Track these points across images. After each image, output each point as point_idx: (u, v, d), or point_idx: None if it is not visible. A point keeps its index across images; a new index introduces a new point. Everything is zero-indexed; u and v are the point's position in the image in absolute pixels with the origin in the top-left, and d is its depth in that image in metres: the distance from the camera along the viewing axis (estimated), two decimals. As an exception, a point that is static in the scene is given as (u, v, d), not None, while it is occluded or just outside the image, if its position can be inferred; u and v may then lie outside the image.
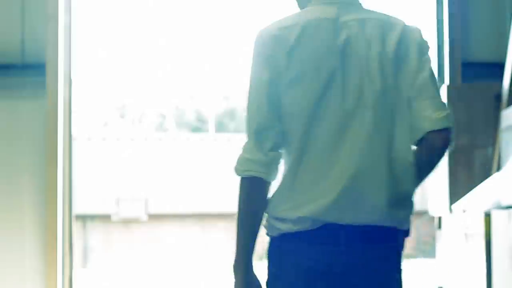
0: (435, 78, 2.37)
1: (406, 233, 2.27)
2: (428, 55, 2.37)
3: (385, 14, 2.35)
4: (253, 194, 2.20)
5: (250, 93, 2.24)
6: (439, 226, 7.32)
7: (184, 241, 22.01)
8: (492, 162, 6.52)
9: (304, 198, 2.16)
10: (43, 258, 6.82)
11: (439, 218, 7.32)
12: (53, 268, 6.80)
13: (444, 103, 2.38)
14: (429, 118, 2.27)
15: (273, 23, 2.25)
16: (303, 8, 2.32)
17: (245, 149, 2.23)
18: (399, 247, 2.25)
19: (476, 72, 7.09)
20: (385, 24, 2.30)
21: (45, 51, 6.85)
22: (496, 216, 5.14)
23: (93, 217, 21.66)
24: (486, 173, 6.51)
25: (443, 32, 7.26)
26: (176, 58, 38.24)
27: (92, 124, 33.48)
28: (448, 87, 6.75)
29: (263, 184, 2.21)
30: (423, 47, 2.37)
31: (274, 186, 2.28)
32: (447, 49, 7.14)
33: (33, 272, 6.83)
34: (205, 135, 23.68)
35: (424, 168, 2.30)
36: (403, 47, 2.29)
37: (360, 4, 2.36)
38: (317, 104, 2.17)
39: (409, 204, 2.24)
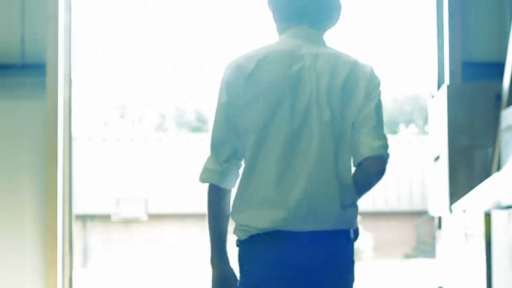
0: (380, 110, 2.66)
1: (355, 230, 2.63)
2: (378, 89, 2.65)
3: (339, 51, 2.67)
4: (212, 198, 2.62)
5: (214, 113, 2.64)
6: (439, 226, 7.32)
7: (184, 241, 22.01)
8: (492, 162, 6.52)
9: (262, 207, 2.50)
10: (43, 258, 6.83)
11: (439, 218, 7.33)
12: (53, 268, 6.80)
13: (383, 134, 2.63)
14: (368, 146, 2.57)
15: (241, 55, 2.65)
16: (280, 36, 2.72)
17: (206, 160, 2.65)
18: (350, 242, 2.58)
19: (476, 72, 7.10)
20: (336, 59, 2.62)
21: (45, 51, 6.85)
22: (496, 216, 5.14)
23: (93, 217, 21.67)
24: (486, 173, 6.51)
25: (443, 32, 7.26)
26: (176, 58, 38.23)
27: (92, 124, 33.48)
28: (448, 87, 6.75)
29: (219, 190, 2.60)
30: (372, 81, 2.63)
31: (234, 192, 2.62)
32: (447, 49, 7.15)
33: (33, 272, 6.83)
34: (205, 135, 23.67)
35: (361, 187, 2.61)
36: (352, 81, 2.60)
37: (323, 40, 2.72)
38: (268, 123, 2.53)
39: (354, 209, 2.59)
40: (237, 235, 2.58)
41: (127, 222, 21.76)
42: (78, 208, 21.15)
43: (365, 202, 23.00)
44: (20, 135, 6.91)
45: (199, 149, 22.65)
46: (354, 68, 2.61)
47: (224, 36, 39.88)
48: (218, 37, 40.47)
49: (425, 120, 33.65)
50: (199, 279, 16.46)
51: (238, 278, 2.58)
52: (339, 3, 2.73)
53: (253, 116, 2.54)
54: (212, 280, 2.64)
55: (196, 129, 34.60)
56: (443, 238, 7.06)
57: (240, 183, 2.59)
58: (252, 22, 42.48)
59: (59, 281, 6.85)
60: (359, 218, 21.51)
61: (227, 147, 2.60)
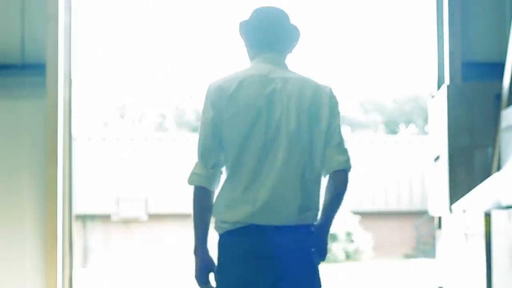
0: (340, 127, 3.21)
1: (318, 224, 3.11)
2: (338, 109, 3.20)
3: (302, 75, 3.18)
4: (198, 198, 3.11)
5: (200, 126, 3.13)
6: (439, 226, 7.32)
7: (184, 241, 22.01)
8: (492, 162, 6.52)
9: (237, 206, 3.02)
10: (43, 257, 6.82)
11: (439, 218, 7.33)
12: (53, 267, 6.80)
13: (346, 149, 3.22)
14: (335, 161, 3.16)
15: (221, 78, 3.13)
16: (252, 61, 3.23)
17: (194, 166, 3.14)
18: (310, 235, 3.07)
19: (476, 72, 7.09)
20: (302, 82, 3.14)
21: (45, 51, 6.85)
22: (496, 216, 5.14)
23: (93, 217, 21.66)
24: (486, 173, 6.51)
25: (443, 32, 7.26)
26: (176, 58, 38.23)
27: (92, 124, 33.49)
28: (448, 87, 6.75)
29: (206, 191, 3.11)
30: (333, 100, 3.20)
31: (216, 193, 3.15)
32: (447, 49, 7.15)
33: (33, 271, 6.83)
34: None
35: (333, 194, 3.14)
36: (317, 101, 3.13)
37: (287, 65, 3.23)
38: (246, 135, 3.03)
39: (315, 208, 3.09)
40: (216, 230, 3.12)
41: (127, 222, 21.76)
42: (78, 208, 21.14)
43: (365, 202, 23.00)
44: (20, 135, 6.90)
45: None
46: (317, 89, 3.16)
47: (224, 36, 39.90)
48: (218, 37, 40.51)
49: (425, 120, 33.64)
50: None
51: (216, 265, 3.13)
52: (298, 32, 3.30)
53: (235, 130, 3.04)
54: (195, 267, 3.17)
55: (196, 129, 34.57)
56: (443, 238, 7.05)
57: (222, 186, 3.10)
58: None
59: (59, 281, 6.85)
60: (359, 218, 21.55)
61: (213, 155, 3.09)
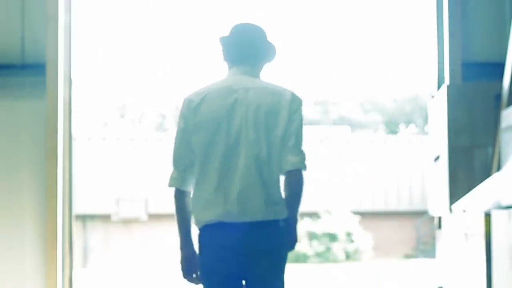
0: (301, 129, 3.50)
1: (284, 219, 3.44)
2: (300, 110, 3.52)
3: (268, 83, 3.53)
4: (176, 198, 3.52)
5: (175, 136, 3.53)
6: (439, 226, 7.32)
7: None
8: (492, 162, 6.52)
9: (209, 207, 3.40)
10: (43, 257, 6.83)
11: (439, 218, 7.33)
12: (53, 267, 6.80)
13: (301, 150, 3.46)
14: (289, 162, 3.43)
15: (193, 91, 3.53)
16: (228, 72, 3.59)
17: (171, 171, 3.54)
18: (279, 229, 3.41)
19: (476, 72, 7.09)
20: (263, 91, 3.47)
21: (45, 51, 6.85)
22: (496, 216, 5.14)
23: (93, 217, 21.66)
24: (486, 173, 6.51)
25: (443, 32, 7.26)
26: (176, 58, 38.24)
27: (92, 124, 33.49)
28: (448, 87, 6.75)
29: (181, 192, 3.51)
30: (293, 105, 3.50)
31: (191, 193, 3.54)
32: (447, 49, 7.15)
33: (33, 271, 6.83)
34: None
35: (289, 192, 3.45)
36: (275, 108, 3.45)
37: (257, 75, 3.57)
38: (210, 143, 3.41)
39: (280, 204, 3.43)
40: (195, 226, 3.49)
41: (127, 222, 21.76)
42: (78, 208, 21.14)
43: (365, 202, 23.01)
44: (20, 135, 6.91)
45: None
46: (277, 96, 3.48)
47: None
48: (218, 37, 40.44)
49: (425, 120, 33.63)
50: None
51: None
52: (273, 49, 3.60)
53: (200, 139, 3.43)
54: (181, 259, 3.50)
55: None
56: (443, 238, 7.05)
57: (194, 188, 3.49)
58: (252, 21, 42.48)
59: (59, 281, 6.85)
60: (359, 218, 21.55)
61: (183, 161, 3.50)
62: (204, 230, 3.44)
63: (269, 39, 3.64)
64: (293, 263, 20.50)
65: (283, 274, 3.45)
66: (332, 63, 41.08)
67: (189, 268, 3.49)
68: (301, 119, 3.52)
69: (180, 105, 3.54)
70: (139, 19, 41.28)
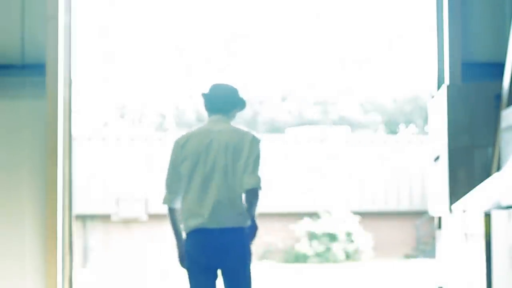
0: (258, 160, 4.78)
1: (250, 227, 4.75)
2: (257, 147, 4.79)
3: (235, 128, 4.86)
4: (170, 213, 4.88)
5: (168, 166, 4.88)
6: (439, 226, 7.32)
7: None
8: (492, 162, 6.52)
9: (192, 217, 4.74)
10: (43, 257, 6.83)
11: (439, 218, 7.33)
12: (53, 267, 6.80)
13: (257, 174, 4.76)
14: (247, 183, 4.73)
15: (183, 134, 4.90)
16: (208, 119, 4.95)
17: (164, 192, 4.88)
18: (245, 234, 4.73)
19: (476, 72, 7.09)
20: (232, 133, 4.80)
21: (45, 51, 6.85)
22: (496, 216, 5.14)
23: (93, 217, 21.66)
24: (486, 173, 6.51)
25: (443, 32, 7.26)
26: (176, 58, 38.25)
27: (92, 124, 33.48)
28: (448, 87, 6.75)
29: (172, 208, 4.88)
30: (253, 143, 4.79)
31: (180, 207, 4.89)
32: (447, 49, 7.15)
33: (33, 271, 6.84)
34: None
35: (249, 205, 4.73)
36: (240, 145, 4.76)
37: (228, 121, 4.90)
38: (193, 170, 4.77)
39: (243, 214, 4.73)
40: (184, 231, 4.82)
41: (127, 222, 21.76)
42: (78, 208, 21.15)
43: (365, 202, 23.01)
44: (20, 135, 6.91)
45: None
46: (241, 136, 4.79)
47: (224, 36, 39.90)
48: (218, 37, 40.50)
49: (425, 120, 33.62)
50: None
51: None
52: (243, 102, 4.96)
53: (186, 166, 4.78)
54: (177, 253, 4.87)
55: (196, 129, 34.53)
56: (443, 238, 7.06)
57: (182, 202, 4.83)
58: (252, 22, 42.52)
59: (59, 281, 6.85)
60: (359, 218, 21.55)
61: (173, 185, 4.85)
62: (189, 234, 4.78)
63: (240, 94, 4.98)
64: (293, 263, 20.51)
65: (249, 266, 4.77)
66: (332, 63, 41.09)
67: (183, 259, 4.86)
68: (259, 153, 4.79)
69: (172, 145, 4.88)
70: (139, 19, 41.29)
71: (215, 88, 4.97)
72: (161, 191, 4.99)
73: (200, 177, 4.74)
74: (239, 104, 4.96)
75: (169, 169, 4.86)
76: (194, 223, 4.71)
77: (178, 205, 4.84)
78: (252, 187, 4.69)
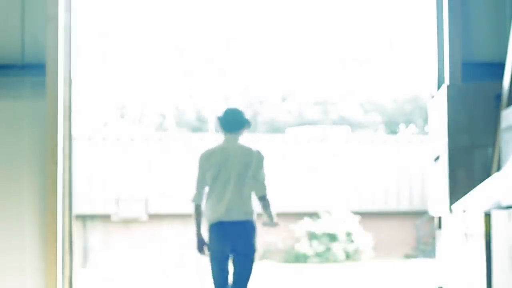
0: (263, 171, 6.26)
1: (253, 221, 6.19)
2: (262, 161, 6.25)
3: (245, 145, 6.25)
4: (195, 208, 6.31)
5: (197, 173, 6.28)
6: (439, 226, 7.32)
7: (184, 241, 22.00)
8: (492, 162, 6.52)
9: (214, 212, 6.18)
10: (43, 257, 6.83)
11: (439, 218, 7.33)
12: (53, 267, 6.80)
13: (264, 184, 6.29)
14: (258, 191, 6.24)
15: (207, 149, 6.28)
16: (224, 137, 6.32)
17: (193, 192, 6.32)
18: (253, 227, 6.17)
19: (476, 72, 7.09)
20: (243, 149, 6.23)
21: (45, 51, 6.85)
22: (496, 216, 5.14)
23: (93, 217, 21.66)
24: (486, 173, 6.51)
25: (443, 32, 7.26)
26: (176, 58, 38.25)
27: (92, 124, 33.49)
28: (448, 87, 6.75)
29: (198, 205, 6.29)
30: (259, 158, 6.24)
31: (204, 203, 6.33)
32: (447, 49, 7.15)
33: (34, 271, 6.84)
34: (205, 135, 23.67)
35: (264, 208, 6.28)
36: (249, 158, 6.20)
37: (238, 140, 6.27)
38: (215, 177, 6.20)
39: (251, 211, 6.18)
40: (207, 223, 6.22)
41: (127, 222, 21.76)
42: (78, 208, 21.16)
43: (365, 202, 23.00)
44: (20, 135, 6.91)
45: (199, 149, 22.62)
46: (250, 152, 6.22)
47: (224, 36, 39.89)
48: (217, 37, 40.48)
49: (425, 120, 33.61)
50: (199, 278, 16.46)
51: (207, 241, 6.26)
52: (249, 123, 6.30)
53: (210, 174, 6.21)
54: (196, 241, 6.25)
55: (196, 129, 34.58)
56: (443, 238, 7.06)
57: (206, 201, 6.26)
58: (252, 22, 42.51)
59: (59, 281, 6.85)
60: (359, 218, 21.55)
61: (201, 187, 6.28)
62: (212, 226, 6.21)
63: (246, 115, 6.33)
64: (293, 263, 20.50)
65: (255, 249, 6.17)
66: (332, 63, 41.08)
67: (200, 246, 6.24)
68: (263, 165, 6.24)
69: (198, 158, 6.26)
70: (139, 18, 41.29)
71: (227, 112, 6.34)
72: (191, 192, 6.45)
73: (220, 183, 6.19)
74: (246, 124, 6.33)
75: (198, 175, 6.27)
76: (215, 217, 6.16)
77: (203, 201, 6.27)
78: (261, 195, 6.24)
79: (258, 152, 6.23)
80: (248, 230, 6.14)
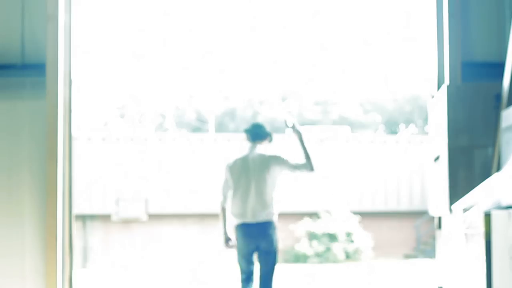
0: (289, 159, 7.03)
1: (274, 222, 7.05)
2: (282, 158, 7.01)
3: (264, 152, 7.08)
4: (222, 211, 7.18)
5: (223, 179, 7.15)
6: (439, 226, 7.32)
7: (184, 241, 22.01)
8: (492, 162, 6.52)
9: (237, 215, 7.01)
10: (43, 257, 6.83)
11: (439, 218, 7.33)
12: (53, 267, 6.80)
13: (301, 163, 7.14)
14: (304, 167, 7.08)
15: (233, 159, 7.15)
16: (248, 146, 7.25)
17: (220, 198, 7.20)
18: (274, 227, 7.02)
19: (476, 72, 7.09)
20: (263, 155, 7.05)
21: (45, 51, 6.85)
22: (496, 216, 5.14)
23: (93, 217, 21.67)
24: (486, 173, 6.51)
25: (443, 32, 7.26)
26: (176, 58, 38.26)
27: (92, 124, 33.50)
28: (448, 87, 6.75)
29: (224, 208, 7.15)
30: (278, 159, 7.00)
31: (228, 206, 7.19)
32: (447, 49, 7.15)
33: (33, 271, 6.84)
34: (205, 135, 23.67)
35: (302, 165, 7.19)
36: (269, 163, 7.01)
37: (260, 149, 7.10)
38: (238, 181, 7.04)
39: (272, 213, 7.01)
40: (232, 224, 7.00)
41: (127, 222, 21.77)
42: (78, 208, 21.17)
43: (365, 202, 23.01)
44: (20, 135, 6.91)
45: (199, 149, 22.65)
46: (270, 158, 6.99)
47: (224, 36, 39.90)
48: (218, 37, 40.49)
49: (425, 120, 33.62)
50: (199, 279, 16.47)
51: (234, 240, 7.07)
52: (270, 134, 7.18)
53: (234, 179, 7.02)
54: (224, 238, 7.06)
55: (196, 129, 34.60)
56: (443, 238, 7.06)
57: (232, 204, 7.03)
58: (251, 22, 42.52)
59: (59, 281, 6.85)
60: (359, 218, 21.55)
61: (225, 192, 7.09)
62: (237, 227, 7.00)
63: (267, 129, 7.23)
64: (293, 263, 20.51)
65: (276, 247, 7.00)
66: (332, 63, 41.08)
67: (226, 242, 7.05)
68: (284, 160, 7.01)
69: (224, 167, 7.07)
70: (139, 18, 41.29)
71: (252, 126, 7.30)
72: (217, 197, 7.40)
73: (242, 188, 7.00)
74: (267, 136, 7.22)
75: (224, 181, 7.11)
76: (239, 219, 6.98)
77: (228, 205, 7.09)
78: (306, 167, 7.05)
79: (276, 156, 7.02)
80: (269, 230, 6.96)
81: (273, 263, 7.01)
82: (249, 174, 7.00)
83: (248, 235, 6.92)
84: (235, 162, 7.05)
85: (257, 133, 7.23)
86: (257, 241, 6.91)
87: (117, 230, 21.80)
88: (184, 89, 36.52)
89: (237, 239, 7.00)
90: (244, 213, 6.94)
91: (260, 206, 6.93)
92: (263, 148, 7.19)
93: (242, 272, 7.04)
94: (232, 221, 7.08)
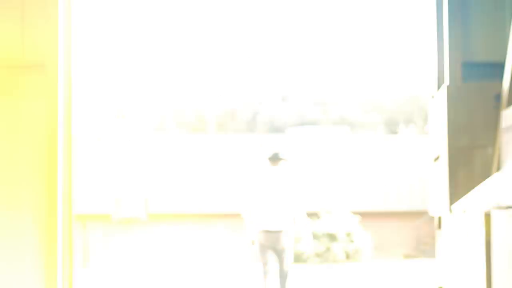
0: (297, 189, 9.27)
1: (290, 229, 9.14)
2: (295, 181, 9.32)
3: (282, 170, 9.18)
4: (247, 219, 9.14)
5: (251, 192, 9.30)
6: (439, 226, 7.32)
7: (184, 241, 22.01)
8: (492, 162, 6.52)
9: (260, 223, 8.99)
10: (43, 257, 6.83)
11: (439, 218, 7.33)
12: (53, 268, 6.80)
13: (298, 202, 9.53)
14: (296, 206, 9.29)
15: (256, 175, 9.64)
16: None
17: (246, 207, 9.24)
18: (289, 234, 8.99)
19: (476, 72, 7.09)
20: (281, 173, 9.08)
21: (45, 51, 6.84)
22: (496, 216, 5.14)
23: (93, 217, 21.66)
24: (486, 173, 6.51)
25: (443, 32, 7.25)
26: (177, 58, 38.24)
27: (92, 124, 33.48)
28: (448, 87, 6.75)
29: (248, 216, 9.09)
30: (293, 179, 9.18)
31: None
32: (447, 49, 7.14)
33: (33, 271, 6.83)
34: (205, 135, 23.63)
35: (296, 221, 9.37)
36: (287, 180, 9.07)
37: (278, 168, 9.19)
38: (262, 193, 9.01)
39: (289, 222, 9.03)
40: (256, 230, 9.01)
41: (127, 222, 21.76)
42: (78, 208, 21.14)
43: (365, 202, 22.99)
44: (19, 136, 6.90)
45: (199, 149, 22.65)
46: (287, 175, 9.06)
47: (224, 36, 39.89)
48: (218, 37, 40.48)
49: (425, 120, 33.59)
50: (199, 279, 16.47)
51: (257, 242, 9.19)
52: (283, 157, 9.09)
53: (257, 194, 8.99)
54: (249, 239, 9.09)
55: (196, 129, 34.57)
56: (443, 238, 7.06)
57: (255, 215, 8.98)
58: (251, 21, 42.47)
59: (59, 281, 6.85)
60: (359, 218, 21.55)
61: (251, 203, 9.01)
62: (260, 233, 8.73)
63: (283, 154, 8.99)
64: (293, 263, 20.50)
65: (291, 251, 8.85)
66: (332, 63, 41.07)
67: (251, 241, 8.65)
68: (297, 185, 8.88)
69: (250, 181, 8.87)
70: (139, 18, 41.28)
71: (271, 151, 8.96)
72: (245, 207, 9.09)
73: (264, 200, 8.74)
74: (283, 158, 8.95)
75: (251, 194, 8.79)
76: (262, 227, 8.72)
77: (253, 213, 8.76)
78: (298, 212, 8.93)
79: (292, 176, 9.05)
80: (285, 236, 8.82)
81: (288, 264, 8.95)
82: (270, 189, 8.88)
83: (267, 240, 8.83)
84: (259, 177, 9.02)
85: (275, 157, 9.06)
86: (275, 246, 8.86)
87: (117, 230, 21.79)
88: (184, 89, 36.48)
89: (259, 242, 8.87)
90: (265, 222, 8.80)
91: (277, 216, 8.83)
92: (281, 169, 9.07)
93: (263, 264, 8.87)
94: (256, 228, 8.88)
